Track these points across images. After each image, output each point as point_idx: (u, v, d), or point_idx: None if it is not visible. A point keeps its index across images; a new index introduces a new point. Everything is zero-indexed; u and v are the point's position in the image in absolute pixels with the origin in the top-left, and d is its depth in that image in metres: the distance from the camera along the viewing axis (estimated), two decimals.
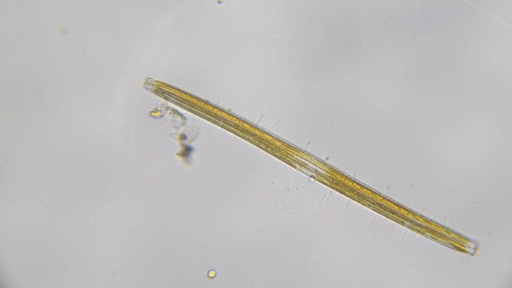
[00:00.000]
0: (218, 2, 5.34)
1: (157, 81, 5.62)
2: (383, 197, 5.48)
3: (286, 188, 5.55)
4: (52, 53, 5.71)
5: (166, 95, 5.60)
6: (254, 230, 5.62)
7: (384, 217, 5.48)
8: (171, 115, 5.33)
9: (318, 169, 5.52)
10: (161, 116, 5.48)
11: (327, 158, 5.55)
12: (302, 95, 5.60)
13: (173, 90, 5.61)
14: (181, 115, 5.44)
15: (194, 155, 5.61)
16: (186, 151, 5.51)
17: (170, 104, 5.57)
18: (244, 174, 5.65)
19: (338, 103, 5.58)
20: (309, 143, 5.56)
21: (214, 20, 5.67)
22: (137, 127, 5.68)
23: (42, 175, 5.67)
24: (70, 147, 5.68)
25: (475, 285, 5.45)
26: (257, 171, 5.63)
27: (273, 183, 5.58)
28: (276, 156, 5.57)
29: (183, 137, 5.47)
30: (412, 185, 5.51)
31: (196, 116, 5.61)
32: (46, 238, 5.65)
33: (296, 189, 5.56)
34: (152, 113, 5.39)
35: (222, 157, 5.64)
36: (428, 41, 5.54)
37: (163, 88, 5.61)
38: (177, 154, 5.51)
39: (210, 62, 5.66)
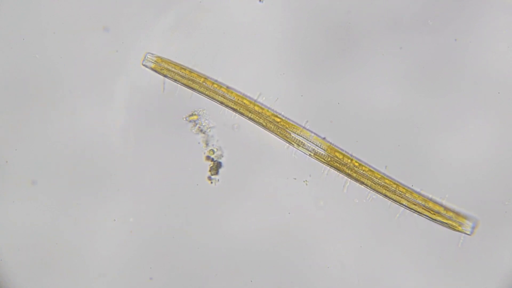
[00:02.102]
0: (260, 0, 5.34)
1: (157, 57, 5.62)
2: (382, 175, 5.48)
3: (305, 181, 5.54)
4: (52, 53, 5.71)
5: (165, 72, 5.58)
6: (254, 230, 5.62)
7: (381, 196, 5.46)
8: (198, 132, 5.33)
9: (316, 148, 5.50)
10: (198, 119, 5.47)
11: (324, 138, 5.55)
12: (302, 95, 5.60)
13: (174, 65, 5.59)
14: (205, 132, 5.43)
15: (221, 171, 5.63)
16: (216, 167, 5.52)
17: (199, 120, 5.54)
18: (246, 173, 5.65)
19: (338, 103, 5.58)
20: (307, 121, 5.55)
21: (215, 19, 5.68)
22: (137, 127, 5.68)
23: (42, 175, 5.67)
24: (70, 147, 5.68)
25: (475, 285, 5.45)
26: (261, 168, 5.63)
27: (295, 178, 5.56)
28: (274, 133, 5.54)
29: (211, 152, 5.48)
30: (412, 185, 5.52)
31: (197, 94, 5.59)
32: (46, 238, 5.65)
33: (310, 175, 5.55)
34: (189, 118, 5.38)
35: (222, 156, 5.64)
36: (428, 41, 5.54)
37: (163, 64, 5.60)
38: (209, 170, 5.52)
39: (210, 62, 5.66)
